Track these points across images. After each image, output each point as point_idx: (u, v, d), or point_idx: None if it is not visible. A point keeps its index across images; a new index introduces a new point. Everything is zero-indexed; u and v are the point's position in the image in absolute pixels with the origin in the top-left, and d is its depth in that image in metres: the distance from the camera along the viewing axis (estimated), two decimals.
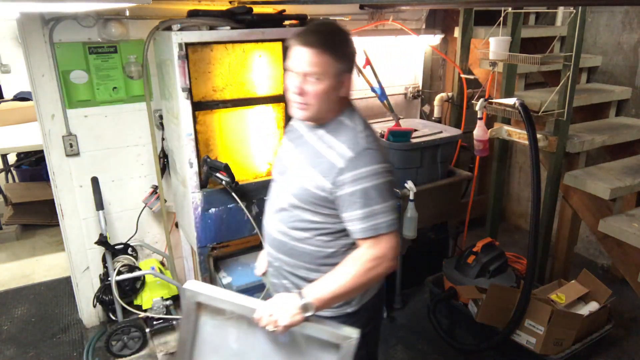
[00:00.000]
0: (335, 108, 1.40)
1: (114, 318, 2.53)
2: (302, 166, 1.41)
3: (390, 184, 1.36)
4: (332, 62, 1.30)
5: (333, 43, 1.31)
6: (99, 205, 2.42)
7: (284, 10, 2.43)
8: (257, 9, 2.39)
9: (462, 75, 3.09)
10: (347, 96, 1.41)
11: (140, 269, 2.49)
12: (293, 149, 1.50)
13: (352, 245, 1.40)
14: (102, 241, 2.36)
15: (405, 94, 3.54)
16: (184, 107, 2.11)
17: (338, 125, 1.39)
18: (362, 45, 2.93)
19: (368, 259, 1.31)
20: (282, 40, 2.51)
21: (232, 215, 2.34)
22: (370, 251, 1.31)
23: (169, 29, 2.06)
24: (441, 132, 2.89)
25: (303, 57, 1.29)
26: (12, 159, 4.68)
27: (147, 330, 2.51)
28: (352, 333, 1.28)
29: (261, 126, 2.64)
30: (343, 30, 1.37)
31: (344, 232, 1.39)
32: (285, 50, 2.56)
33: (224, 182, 2.19)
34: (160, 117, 2.62)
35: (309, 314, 1.27)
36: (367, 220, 1.31)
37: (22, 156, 4.57)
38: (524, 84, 3.33)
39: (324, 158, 1.36)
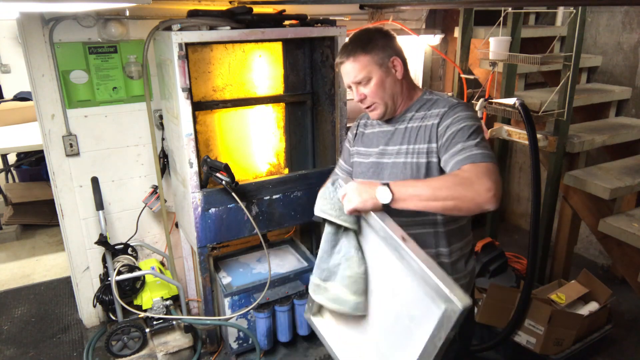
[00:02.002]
0: (406, 92, 1.50)
1: (114, 318, 2.53)
2: (405, 151, 1.46)
3: (483, 130, 1.40)
4: (368, 60, 1.42)
5: (359, 45, 1.44)
6: (99, 205, 2.42)
7: (284, 10, 2.43)
8: (257, 9, 2.39)
9: (462, 75, 3.09)
10: (408, 78, 1.50)
11: (140, 269, 2.49)
12: (385, 148, 1.53)
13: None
14: (102, 241, 2.36)
15: None
16: (184, 107, 2.11)
17: (425, 102, 1.49)
18: None
19: (462, 174, 1.25)
20: (282, 40, 2.51)
21: (232, 215, 2.35)
22: (466, 170, 1.26)
23: (169, 29, 2.06)
24: None
25: (347, 71, 1.46)
26: (12, 159, 4.68)
27: (147, 330, 2.51)
28: (461, 300, 1.04)
29: (261, 126, 2.65)
30: (365, 30, 1.49)
31: None
32: (286, 51, 2.56)
33: (224, 182, 2.19)
34: (160, 117, 2.62)
35: (384, 200, 1.23)
36: (465, 152, 1.30)
37: (22, 156, 4.57)
38: (524, 84, 3.34)
39: (422, 128, 1.44)
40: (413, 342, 1.18)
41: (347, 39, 1.52)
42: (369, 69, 1.43)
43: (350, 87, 1.49)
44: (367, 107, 1.49)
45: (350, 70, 1.45)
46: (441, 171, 1.40)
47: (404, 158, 1.46)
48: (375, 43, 1.44)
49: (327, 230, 1.38)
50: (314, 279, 1.43)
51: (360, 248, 1.36)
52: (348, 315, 1.39)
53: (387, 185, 1.24)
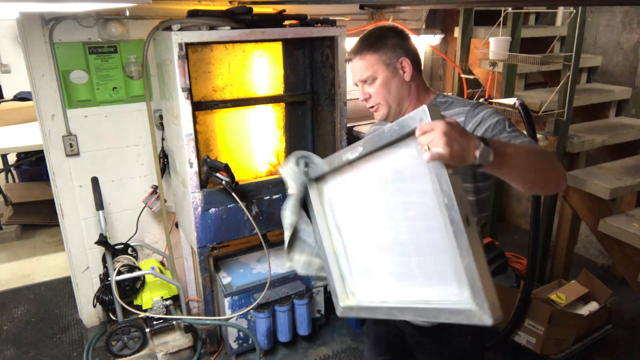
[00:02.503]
0: (414, 94, 1.45)
1: (114, 318, 2.53)
2: None
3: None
4: (375, 59, 1.39)
5: (368, 43, 1.41)
6: (99, 205, 2.42)
7: (284, 10, 2.43)
8: (257, 9, 2.39)
9: (462, 75, 3.09)
10: (419, 80, 1.45)
11: (140, 269, 2.49)
12: None
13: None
14: (102, 241, 2.36)
15: None
16: (184, 107, 2.11)
17: (439, 104, 1.43)
18: None
19: (544, 151, 1.18)
20: (282, 40, 2.51)
21: (232, 215, 2.34)
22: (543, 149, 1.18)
23: (169, 29, 2.06)
24: None
25: (354, 68, 1.43)
26: (12, 159, 4.68)
27: (147, 330, 2.51)
28: (492, 316, 0.98)
29: (261, 126, 2.64)
30: (378, 28, 1.46)
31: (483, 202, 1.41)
32: (286, 51, 2.56)
33: (224, 182, 2.19)
34: (160, 117, 2.62)
35: (484, 160, 0.98)
36: (520, 138, 1.23)
37: (22, 156, 4.57)
38: (524, 84, 3.34)
39: None
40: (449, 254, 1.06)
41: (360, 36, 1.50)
42: (375, 68, 1.40)
43: (357, 84, 1.47)
44: (371, 107, 1.47)
45: (357, 68, 1.43)
46: (464, 173, 1.34)
47: None
48: (385, 42, 1.40)
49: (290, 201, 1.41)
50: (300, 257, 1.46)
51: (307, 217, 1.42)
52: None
53: (487, 141, 1.00)
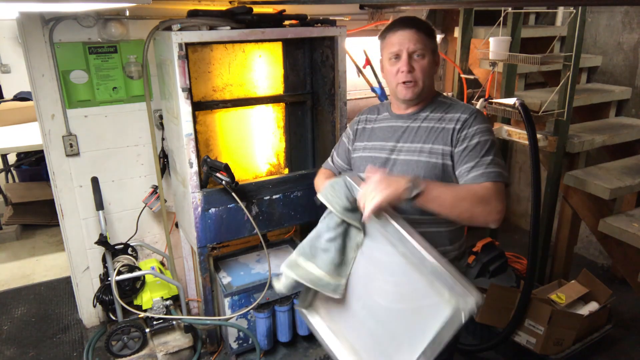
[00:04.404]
0: (432, 87, 1.53)
1: (114, 318, 2.53)
2: (419, 149, 1.48)
3: (496, 144, 1.46)
4: (428, 40, 1.45)
5: (423, 24, 1.47)
6: (99, 205, 2.42)
7: (284, 10, 2.43)
8: (257, 9, 2.39)
9: (462, 75, 3.09)
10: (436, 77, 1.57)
11: (140, 269, 2.49)
12: (396, 145, 1.53)
13: None
14: (102, 241, 2.36)
15: None
16: (184, 107, 2.11)
17: (440, 103, 1.52)
18: (362, 45, 2.93)
19: (481, 192, 1.33)
20: (282, 40, 2.51)
21: (232, 215, 2.35)
22: (485, 188, 1.34)
23: (169, 29, 2.06)
24: None
25: (406, 37, 1.43)
26: (12, 159, 4.68)
27: (147, 330, 2.51)
28: (474, 300, 1.09)
29: (261, 126, 2.65)
30: (423, 20, 1.54)
31: None
32: (286, 51, 2.56)
33: (224, 182, 2.19)
34: (160, 117, 2.62)
35: (411, 193, 1.25)
36: (483, 168, 1.37)
37: (22, 156, 4.57)
38: (524, 84, 3.33)
39: (439, 130, 1.46)
40: (418, 336, 1.19)
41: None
42: (425, 47, 1.44)
43: (397, 55, 1.44)
44: (407, 82, 1.45)
45: (411, 38, 1.43)
46: (454, 175, 1.44)
47: (417, 156, 1.46)
48: (433, 33, 1.49)
49: (332, 219, 1.37)
50: (293, 256, 1.44)
51: (358, 247, 1.36)
52: (332, 300, 1.42)
53: (414, 180, 1.26)
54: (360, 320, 1.38)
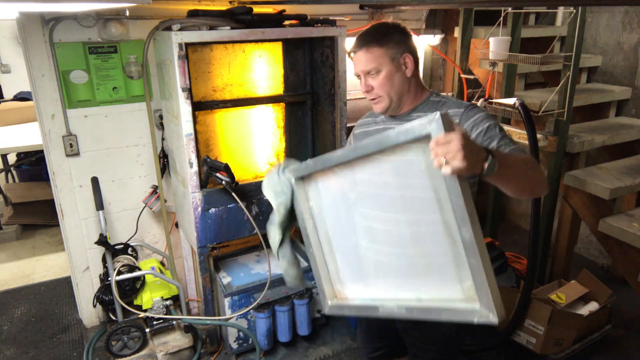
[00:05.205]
0: (413, 91, 1.50)
1: (114, 318, 2.53)
2: None
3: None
4: (381, 53, 1.43)
5: (375, 37, 1.45)
6: (99, 205, 2.42)
7: (284, 10, 2.43)
8: (257, 9, 2.39)
9: (462, 75, 3.09)
10: (417, 77, 1.52)
11: (140, 269, 2.49)
12: None
13: None
14: (102, 241, 2.36)
15: None
16: (184, 107, 2.11)
17: (432, 104, 1.51)
18: None
19: (532, 159, 1.27)
20: (282, 40, 2.51)
21: (232, 215, 2.34)
22: (527, 156, 1.28)
23: (169, 29, 2.06)
24: None
25: (358, 59, 1.47)
26: (12, 159, 4.68)
27: (147, 330, 2.51)
28: (498, 315, 1.03)
29: (261, 126, 2.65)
30: (384, 23, 1.52)
31: None
32: (286, 51, 2.56)
33: (224, 182, 2.19)
34: (160, 117, 2.62)
35: (489, 164, 1.03)
36: (510, 145, 1.32)
37: (22, 156, 4.57)
38: (524, 84, 3.34)
39: None
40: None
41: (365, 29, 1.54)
42: (380, 61, 1.44)
43: (359, 76, 1.50)
44: (372, 99, 1.51)
45: (362, 59, 1.46)
46: None
47: None
48: (391, 37, 1.46)
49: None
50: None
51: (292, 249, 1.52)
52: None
53: (492, 153, 1.06)
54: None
